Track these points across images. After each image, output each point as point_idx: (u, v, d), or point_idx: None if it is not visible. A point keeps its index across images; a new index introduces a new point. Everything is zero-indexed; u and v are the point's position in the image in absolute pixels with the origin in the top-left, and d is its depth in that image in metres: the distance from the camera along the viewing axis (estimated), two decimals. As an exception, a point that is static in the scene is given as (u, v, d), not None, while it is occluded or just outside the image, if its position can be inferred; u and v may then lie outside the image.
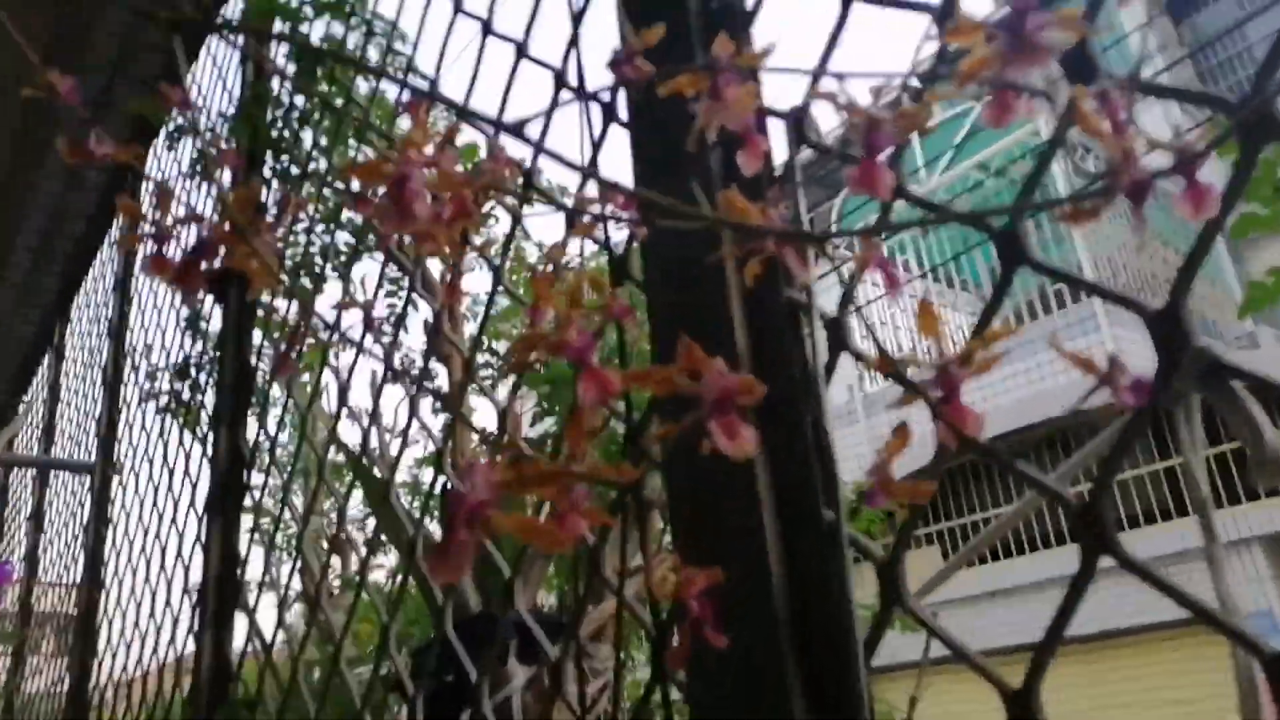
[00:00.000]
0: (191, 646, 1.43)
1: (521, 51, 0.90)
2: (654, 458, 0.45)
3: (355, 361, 1.18)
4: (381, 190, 0.39)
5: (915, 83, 0.40)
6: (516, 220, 0.62)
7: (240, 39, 1.58)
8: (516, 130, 0.36)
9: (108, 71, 1.54)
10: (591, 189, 0.81)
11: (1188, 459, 0.43)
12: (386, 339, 1.19)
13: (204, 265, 0.41)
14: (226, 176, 1.40)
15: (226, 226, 0.39)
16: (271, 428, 1.40)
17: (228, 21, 0.97)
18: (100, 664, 1.96)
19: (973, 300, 9.30)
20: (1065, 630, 0.48)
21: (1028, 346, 7.83)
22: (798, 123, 0.64)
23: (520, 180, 0.73)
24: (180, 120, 1.48)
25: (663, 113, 0.57)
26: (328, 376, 1.20)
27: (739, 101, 0.41)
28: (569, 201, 0.78)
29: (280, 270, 0.58)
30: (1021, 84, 0.34)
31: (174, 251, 0.51)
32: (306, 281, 1.28)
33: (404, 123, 1.81)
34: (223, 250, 0.41)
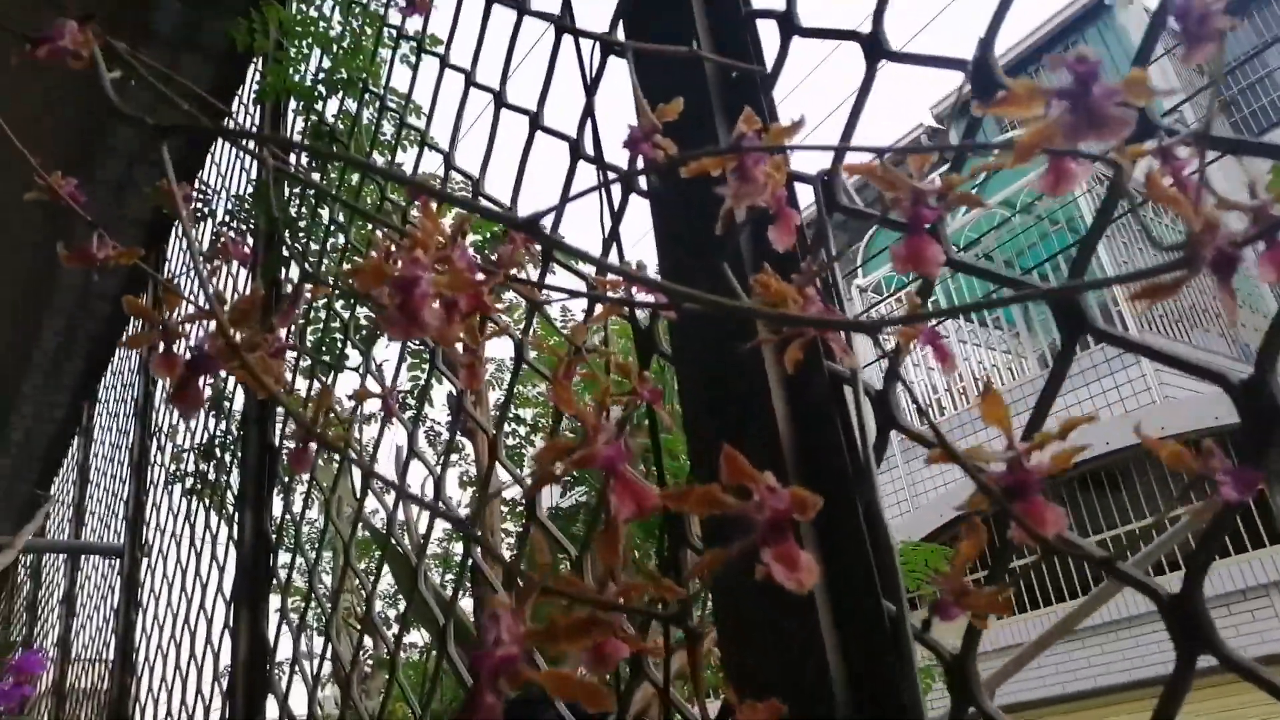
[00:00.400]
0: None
1: (535, 123, 0.88)
2: (694, 578, 0.41)
3: (379, 438, 1.15)
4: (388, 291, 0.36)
5: (944, 147, 0.36)
6: (535, 308, 0.59)
7: (257, 114, 1.59)
8: (530, 226, 0.32)
9: (126, 161, 1.55)
10: (614, 258, 0.78)
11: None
12: (410, 413, 1.16)
13: (202, 381, 0.38)
14: (234, 269, 1.39)
15: (222, 341, 0.36)
16: (298, 505, 1.38)
17: (226, 130, 0.95)
18: (133, 753, 1.93)
19: (1006, 339, 9.16)
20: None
21: (1032, 398, 7.68)
22: (828, 187, 0.61)
23: (537, 260, 0.71)
24: (198, 205, 1.48)
25: (685, 184, 0.54)
26: (352, 454, 1.17)
27: (769, 179, 0.37)
28: (589, 272, 0.75)
29: (282, 370, 0.55)
30: (1083, 153, 0.30)
31: (182, 350, 0.49)
32: (326, 358, 1.26)
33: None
34: (222, 363, 0.38)
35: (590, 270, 0.79)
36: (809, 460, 0.56)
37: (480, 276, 0.41)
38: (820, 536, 0.55)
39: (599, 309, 0.52)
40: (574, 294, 0.42)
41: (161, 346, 0.47)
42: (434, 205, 0.49)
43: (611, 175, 0.77)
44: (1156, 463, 7.19)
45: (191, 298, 0.48)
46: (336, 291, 1.23)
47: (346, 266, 1.17)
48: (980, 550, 0.37)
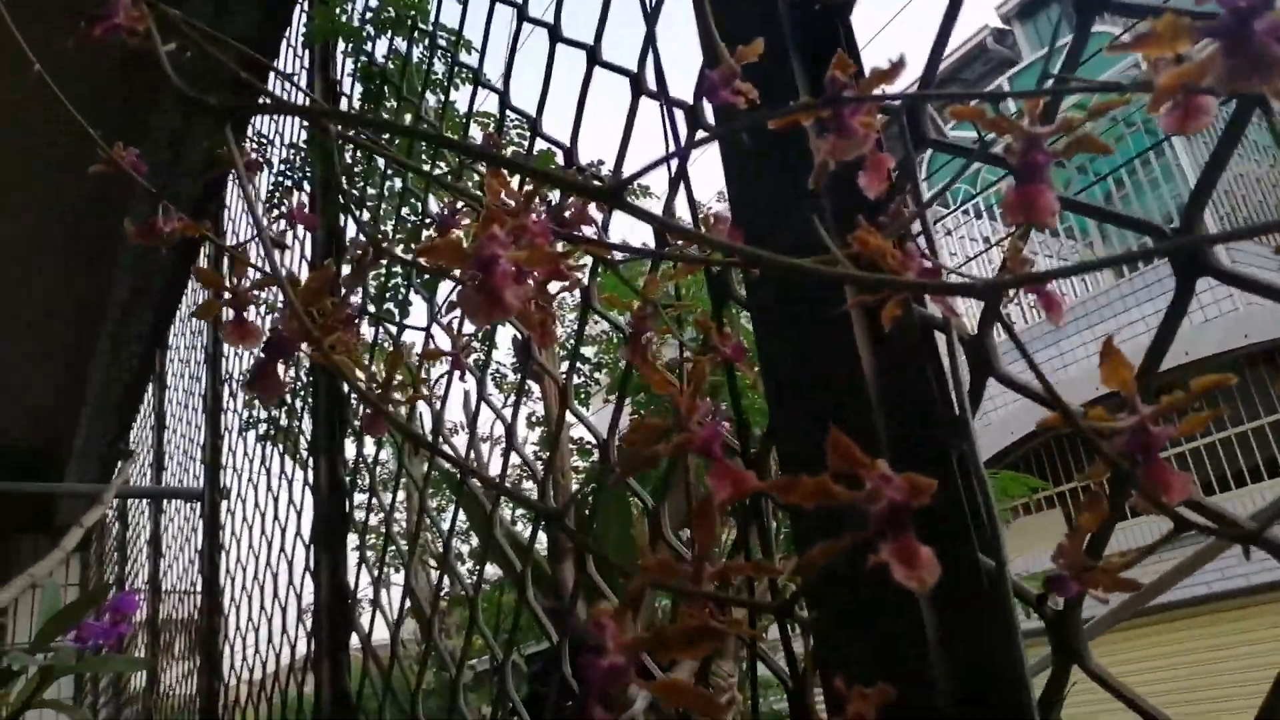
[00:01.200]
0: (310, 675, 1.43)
1: (594, 57, 0.85)
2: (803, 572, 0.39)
3: (448, 384, 1.15)
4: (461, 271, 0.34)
5: (1086, 90, 0.33)
6: (607, 265, 0.57)
7: (306, 58, 1.56)
8: (616, 196, 0.30)
9: (181, 115, 1.55)
10: (683, 199, 0.75)
11: None
12: (477, 358, 1.16)
13: (280, 368, 0.36)
14: (299, 232, 1.38)
15: (297, 324, 0.34)
16: (371, 449, 1.39)
17: (273, 100, 0.93)
18: (225, 687, 2.01)
19: (1079, 248, 8.85)
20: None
21: (1106, 309, 7.44)
22: (914, 117, 0.57)
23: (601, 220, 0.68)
24: (254, 155, 1.47)
25: (763, 129, 0.51)
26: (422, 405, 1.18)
27: (866, 129, 0.34)
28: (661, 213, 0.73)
29: (355, 340, 0.53)
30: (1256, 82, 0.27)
31: (255, 316, 0.48)
32: (391, 307, 1.25)
33: (475, 130, 1.77)
34: (302, 347, 0.36)
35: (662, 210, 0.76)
36: (900, 413, 0.54)
37: (556, 245, 0.39)
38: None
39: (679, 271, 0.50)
40: (646, 253, 0.40)
41: (232, 314, 0.46)
42: (504, 171, 0.47)
43: (677, 113, 0.73)
44: (1240, 373, 6.97)
45: (258, 263, 0.47)
46: (398, 239, 1.22)
47: (406, 229, 1.15)
48: (1102, 518, 0.34)
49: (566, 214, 0.48)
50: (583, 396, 4.11)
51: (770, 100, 0.44)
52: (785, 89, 0.59)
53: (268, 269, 0.41)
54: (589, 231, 0.50)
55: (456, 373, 1.07)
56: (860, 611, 0.52)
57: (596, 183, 0.29)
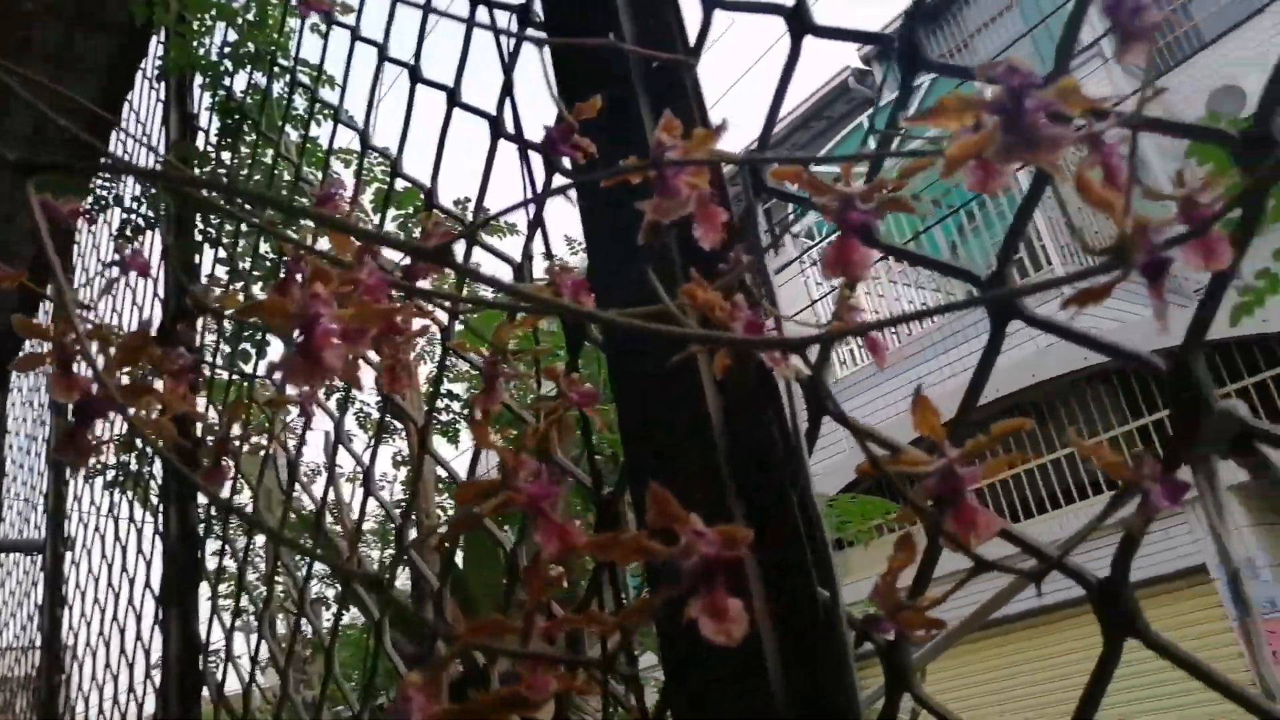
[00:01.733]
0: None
1: (453, 99, 0.85)
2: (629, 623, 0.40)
3: (304, 430, 1.12)
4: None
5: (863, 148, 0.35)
6: (452, 318, 0.57)
7: (162, 90, 1.51)
8: (439, 255, 0.30)
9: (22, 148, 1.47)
10: (539, 244, 0.76)
11: (1216, 529, 0.38)
12: (339, 397, 1.13)
13: (91, 434, 0.35)
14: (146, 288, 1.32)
15: (105, 390, 0.33)
16: (225, 493, 1.33)
17: (111, 163, 0.91)
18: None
19: (936, 276, 9.27)
20: (1095, 711, 0.44)
21: (959, 335, 7.79)
22: (754, 172, 0.59)
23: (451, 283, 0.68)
24: (103, 193, 1.40)
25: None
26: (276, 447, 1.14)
27: (692, 189, 0.36)
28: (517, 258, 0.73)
29: (186, 391, 0.52)
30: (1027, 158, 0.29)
31: (81, 369, 0.45)
32: (248, 347, 1.21)
33: (337, 165, 1.73)
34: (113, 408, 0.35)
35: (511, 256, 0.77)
36: (742, 455, 0.55)
37: (391, 295, 0.39)
38: (755, 530, 0.54)
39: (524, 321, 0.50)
40: (494, 305, 0.40)
41: (58, 368, 0.44)
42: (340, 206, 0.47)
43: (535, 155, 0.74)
44: (1081, 394, 7.41)
45: (88, 316, 0.45)
46: (254, 276, 1.18)
47: (264, 266, 1.12)
48: (912, 561, 0.36)
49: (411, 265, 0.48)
50: (451, 433, 4.04)
51: (618, 150, 0.45)
52: (633, 141, 0.60)
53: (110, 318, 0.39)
54: (427, 281, 0.50)
55: (317, 415, 1.04)
56: (704, 650, 0.53)
57: (421, 243, 0.29)
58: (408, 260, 0.51)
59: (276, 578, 1.25)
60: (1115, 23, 0.31)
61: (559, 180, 0.63)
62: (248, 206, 0.49)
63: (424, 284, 0.43)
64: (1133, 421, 7.30)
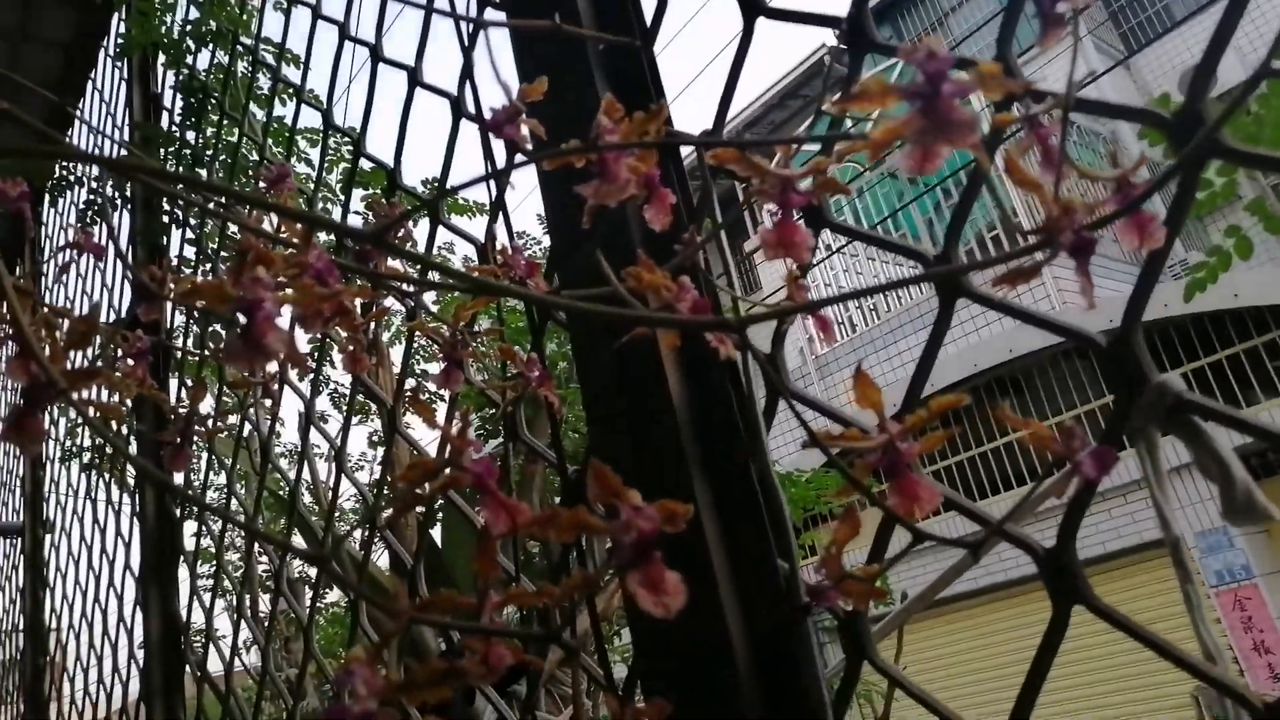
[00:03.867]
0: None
1: (414, 79, 0.84)
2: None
3: (275, 409, 1.12)
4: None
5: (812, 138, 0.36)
6: (405, 296, 0.57)
7: (125, 72, 1.49)
8: (377, 238, 0.31)
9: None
10: (501, 226, 0.76)
11: (1156, 500, 0.40)
12: (309, 379, 1.13)
13: (39, 416, 0.35)
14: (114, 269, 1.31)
15: (48, 376, 0.33)
16: (200, 476, 1.34)
17: (69, 151, 0.91)
18: (54, 732, 1.88)
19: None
20: (1043, 681, 0.45)
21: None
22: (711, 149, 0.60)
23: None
24: (65, 172, 1.39)
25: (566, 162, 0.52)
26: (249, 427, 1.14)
27: (634, 173, 0.36)
28: (479, 236, 0.73)
29: (144, 374, 0.52)
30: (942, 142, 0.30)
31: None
32: (219, 328, 1.21)
33: (303, 144, 1.72)
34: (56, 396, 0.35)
35: (480, 233, 0.77)
36: (704, 429, 0.56)
37: (343, 278, 0.39)
38: (717, 504, 0.56)
39: (478, 302, 0.50)
40: (440, 286, 0.41)
41: (16, 350, 0.44)
42: (287, 196, 0.47)
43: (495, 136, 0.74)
44: (1058, 368, 7.47)
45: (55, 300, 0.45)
46: (222, 258, 1.18)
47: (231, 248, 1.12)
48: (856, 533, 0.37)
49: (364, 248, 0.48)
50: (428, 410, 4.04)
51: (574, 132, 0.45)
52: (590, 119, 0.60)
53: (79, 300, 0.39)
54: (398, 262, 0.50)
55: (290, 392, 1.04)
56: (670, 623, 0.54)
57: (334, 209, 0.30)
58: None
59: (256, 557, 1.25)
60: (1038, 6, 0.31)
61: (520, 161, 0.63)
62: (199, 195, 0.49)
63: (399, 265, 0.43)
64: (1109, 395, 7.37)
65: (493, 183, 0.73)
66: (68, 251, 0.62)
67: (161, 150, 1.26)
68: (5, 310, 0.46)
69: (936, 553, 7.52)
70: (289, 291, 0.34)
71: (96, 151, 1.60)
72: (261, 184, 0.48)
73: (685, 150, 0.80)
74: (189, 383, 1.29)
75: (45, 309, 0.43)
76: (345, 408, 0.95)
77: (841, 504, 0.38)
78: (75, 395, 0.32)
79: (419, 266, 0.73)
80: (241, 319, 0.32)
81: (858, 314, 8.47)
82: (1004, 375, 7.51)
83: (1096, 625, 0.44)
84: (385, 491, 0.96)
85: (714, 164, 0.35)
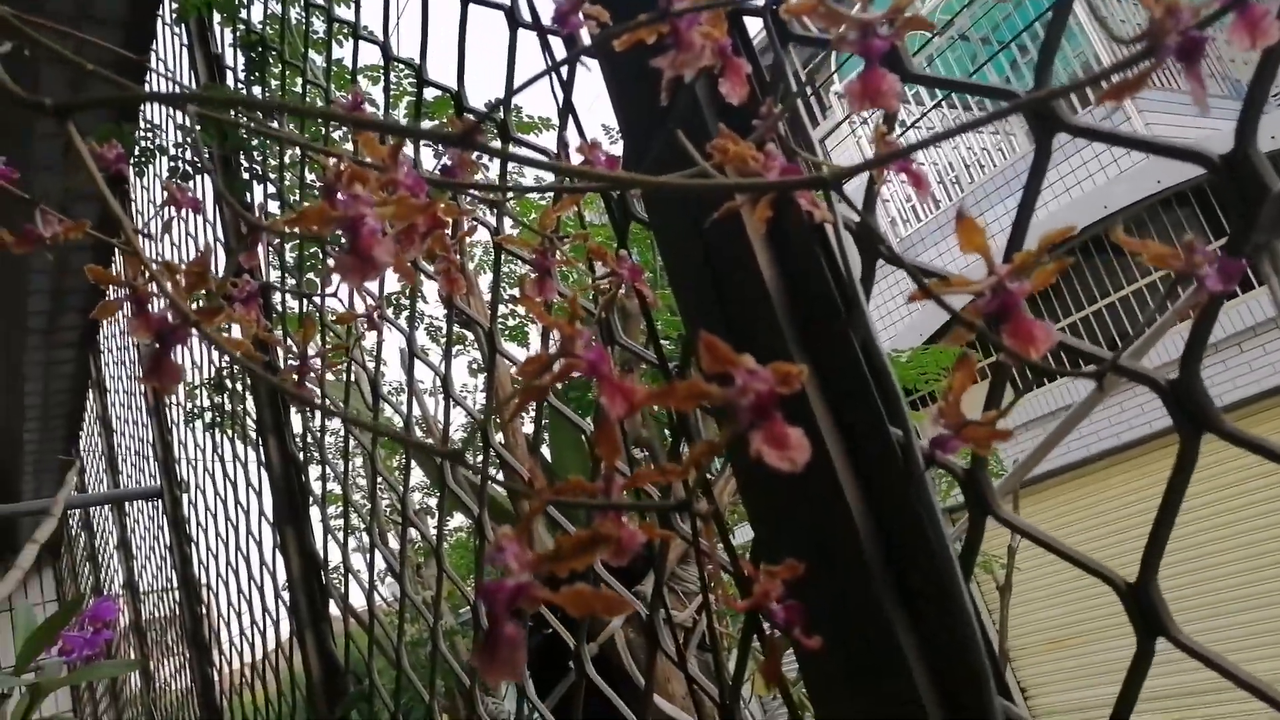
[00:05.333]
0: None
1: (467, -5, 0.83)
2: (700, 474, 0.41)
3: (379, 346, 1.15)
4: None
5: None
6: (496, 207, 0.57)
7: (185, 38, 1.51)
8: (466, 140, 0.31)
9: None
10: (571, 130, 0.76)
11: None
12: (405, 315, 1.16)
13: (174, 354, 0.37)
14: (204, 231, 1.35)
15: (180, 313, 0.35)
16: (317, 421, 1.39)
17: (145, 93, 0.93)
18: (218, 671, 2.03)
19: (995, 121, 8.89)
20: (1176, 513, 0.44)
21: (1059, 151, 7.52)
22: (778, 16, 0.58)
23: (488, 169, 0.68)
24: (146, 142, 1.43)
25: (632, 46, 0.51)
26: (361, 365, 1.18)
27: (708, 39, 0.35)
28: (553, 149, 0.73)
29: (255, 315, 0.54)
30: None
31: (157, 308, 0.48)
32: (313, 277, 1.24)
33: (365, 84, 1.72)
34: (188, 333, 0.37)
35: (553, 146, 0.77)
36: (800, 305, 0.56)
37: (429, 194, 0.40)
38: (822, 380, 0.56)
39: (563, 203, 0.51)
40: (530, 189, 0.41)
41: (134, 308, 0.46)
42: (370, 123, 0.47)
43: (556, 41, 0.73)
44: (1158, 219, 7.15)
45: (156, 256, 0.47)
46: (305, 206, 1.21)
47: (312, 196, 1.14)
48: (973, 380, 0.37)
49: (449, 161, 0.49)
50: (520, 335, 4.10)
51: (635, 12, 0.45)
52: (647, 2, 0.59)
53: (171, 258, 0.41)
54: (485, 174, 0.51)
55: (390, 331, 1.07)
56: (787, 496, 0.55)
57: (448, 129, 0.30)
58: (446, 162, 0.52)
59: (380, 494, 1.31)
60: None
61: (586, 47, 0.62)
62: (277, 125, 0.50)
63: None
64: (1215, 242, 7.02)
65: (559, 89, 0.73)
66: (166, 210, 0.64)
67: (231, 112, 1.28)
68: (122, 274, 0.49)
69: (1048, 425, 7.38)
70: (386, 209, 0.35)
71: (170, 123, 1.65)
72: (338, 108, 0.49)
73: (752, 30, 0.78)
74: (291, 333, 1.34)
75: (158, 264, 0.45)
76: (445, 337, 0.97)
77: (959, 352, 0.38)
78: (208, 329, 0.34)
79: (501, 177, 0.73)
80: (347, 237, 0.33)
81: (940, 189, 8.21)
82: (1100, 234, 7.21)
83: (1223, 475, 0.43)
84: (493, 415, 0.98)
85: (789, 14, 0.34)
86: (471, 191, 0.47)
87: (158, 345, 0.38)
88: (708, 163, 0.39)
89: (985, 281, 0.36)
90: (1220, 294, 0.33)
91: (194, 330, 0.35)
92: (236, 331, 0.51)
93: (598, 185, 0.33)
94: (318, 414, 1.38)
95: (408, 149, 0.56)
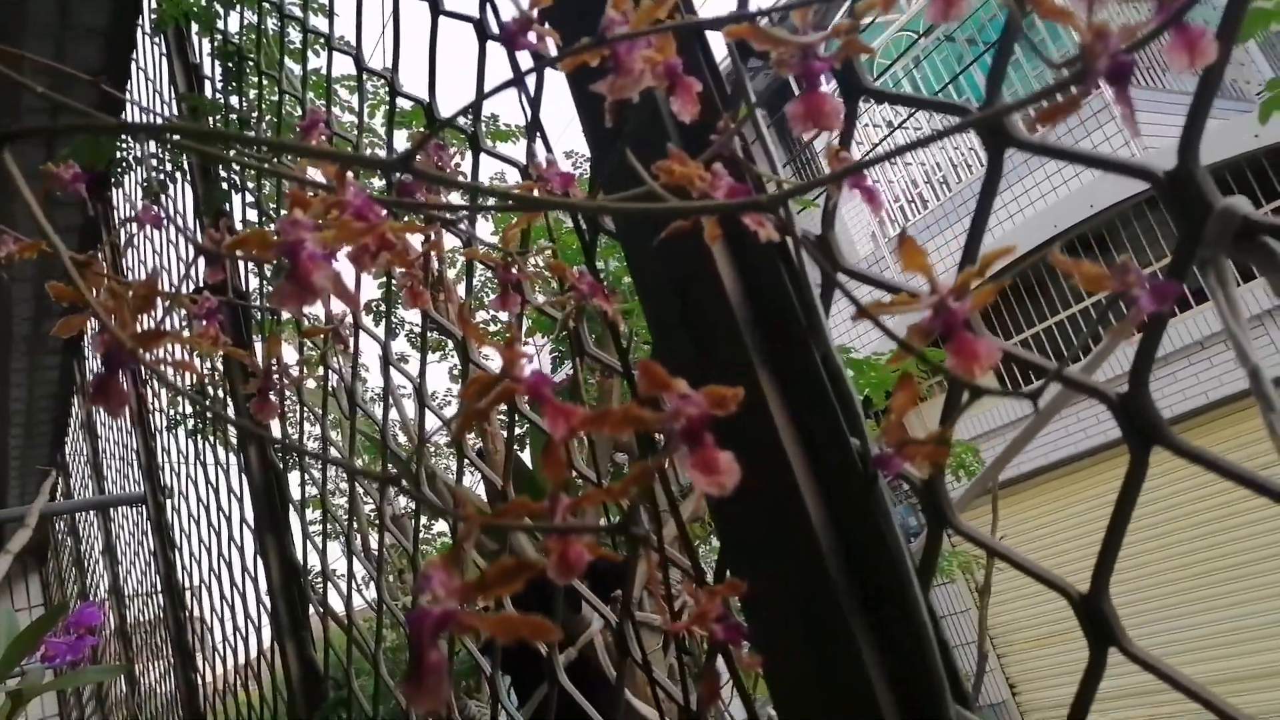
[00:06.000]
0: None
1: (436, 8, 0.84)
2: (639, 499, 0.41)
3: (355, 354, 1.15)
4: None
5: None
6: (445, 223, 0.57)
7: (163, 48, 1.51)
8: (403, 164, 0.31)
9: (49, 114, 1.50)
10: (539, 144, 0.76)
11: (1231, 329, 0.38)
12: (381, 325, 1.16)
13: (122, 378, 0.37)
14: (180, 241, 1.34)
15: (120, 339, 0.35)
16: (294, 429, 1.39)
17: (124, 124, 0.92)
18: (203, 677, 2.03)
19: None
20: (1124, 531, 0.44)
21: (1011, 175, 7.54)
22: (742, 39, 0.58)
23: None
24: (123, 152, 1.43)
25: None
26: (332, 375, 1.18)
27: (649, 64, 0.36)
28: (521, 162, 0.73)
29: (215, 331, 0.54)
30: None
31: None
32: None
33: (344, 93, 1.72)
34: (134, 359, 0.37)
35: (521, 159, 0.77)
36: (761, 316, 0.56)
37: (383, 212, 0.40)
38: (783, 389, 0.56)
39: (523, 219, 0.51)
40: (482, 208, 0.41)
41: (99, 323, 0.46)
42: (318, 140, 0.47)
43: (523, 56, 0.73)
44: (1142, 217, 7.17)
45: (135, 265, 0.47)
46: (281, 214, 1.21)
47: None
48: (914, 402, 0.37)
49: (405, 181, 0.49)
50: (502, 339, 4.09)
51: (588, 26, 0.45)
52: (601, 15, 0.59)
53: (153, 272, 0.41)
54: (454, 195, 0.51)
55: (366, 339, 1.06)
56: (749, 505, 0.55)
57: (380, 155, 0.30)
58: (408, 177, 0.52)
59: (360, 498, 1.31)
60: None
61: (531, 68, 0.63)
62: (240, 150, 0.50)
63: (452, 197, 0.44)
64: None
65: (527, 104, 0.73)
66: (132, 227, 0.64)
67: (210, 120, 1.28)
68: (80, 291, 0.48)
69: (1009, 435, 7.38)
70: (327, 233, 0.35)
71: (151, 118, 1.64)
72: (295, 132, 0.49)
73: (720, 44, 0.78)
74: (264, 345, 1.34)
75: (112, 281, 0.45)
76: (420, 348, 0.98)
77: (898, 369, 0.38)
78: (148, 355, 0.34)
79: (464, 194, 0.74)
80: (287, 262, 0.33)
81: (928, 190, 8.23)
82: (1086, 233, 7.23)
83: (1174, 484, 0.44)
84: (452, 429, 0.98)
85: (730, 40, 0.34)
86: (430, 211, 0.47)
87: (103, 368, 0.38)
88: (656, 182, 0.40)
89: (927, 300, 0.36)
90: (1157, 316, 0.34)
91: (139, 356, 0.36)
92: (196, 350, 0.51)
93: (548, 205, 0.34)
94: (295, 421, 1.38)
95: (398, 145, 0.56)
